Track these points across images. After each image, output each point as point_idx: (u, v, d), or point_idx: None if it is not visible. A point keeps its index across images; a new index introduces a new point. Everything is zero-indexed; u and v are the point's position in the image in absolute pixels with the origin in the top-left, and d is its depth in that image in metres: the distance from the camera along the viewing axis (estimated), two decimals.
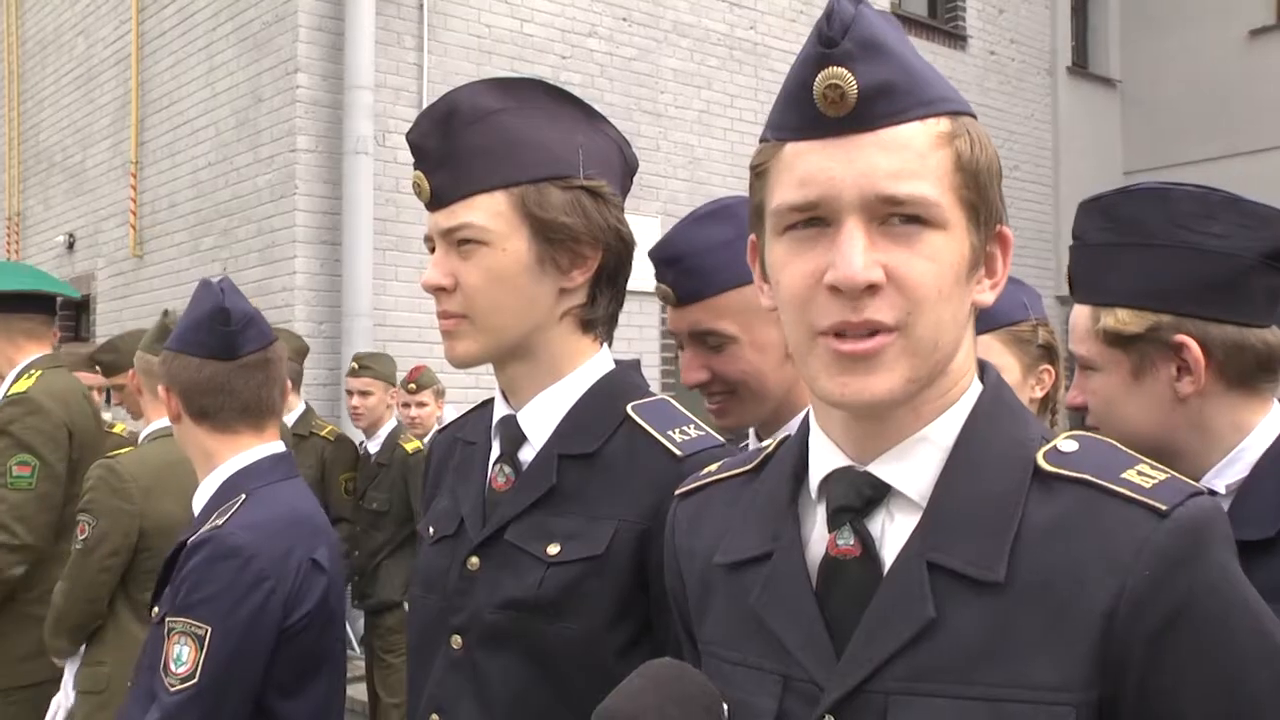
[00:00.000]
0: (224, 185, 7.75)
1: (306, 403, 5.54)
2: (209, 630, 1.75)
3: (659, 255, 1.65)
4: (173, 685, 1.74)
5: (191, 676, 1.73)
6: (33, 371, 3.51)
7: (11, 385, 3.47)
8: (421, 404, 5.56)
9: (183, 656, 1.74)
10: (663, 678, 0.93)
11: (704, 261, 1.61)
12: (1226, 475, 1.47)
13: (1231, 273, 1.44)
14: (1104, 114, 12.62)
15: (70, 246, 9.78)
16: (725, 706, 1.00)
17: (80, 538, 2.95)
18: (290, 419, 5.15)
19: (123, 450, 3.18)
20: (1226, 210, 1.46)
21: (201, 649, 1.74)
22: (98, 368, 4.25)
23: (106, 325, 8.94)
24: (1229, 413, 1.48)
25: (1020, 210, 11.01)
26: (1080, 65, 12.57)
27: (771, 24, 9.34)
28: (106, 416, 5.62)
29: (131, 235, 8.77)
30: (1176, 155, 11.85)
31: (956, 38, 10.94)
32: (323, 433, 5.33)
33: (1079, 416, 1.63)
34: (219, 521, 1.85)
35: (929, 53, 10.01)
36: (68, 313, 10.02)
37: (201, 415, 1.98)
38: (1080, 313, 1.56)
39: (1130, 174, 12.15)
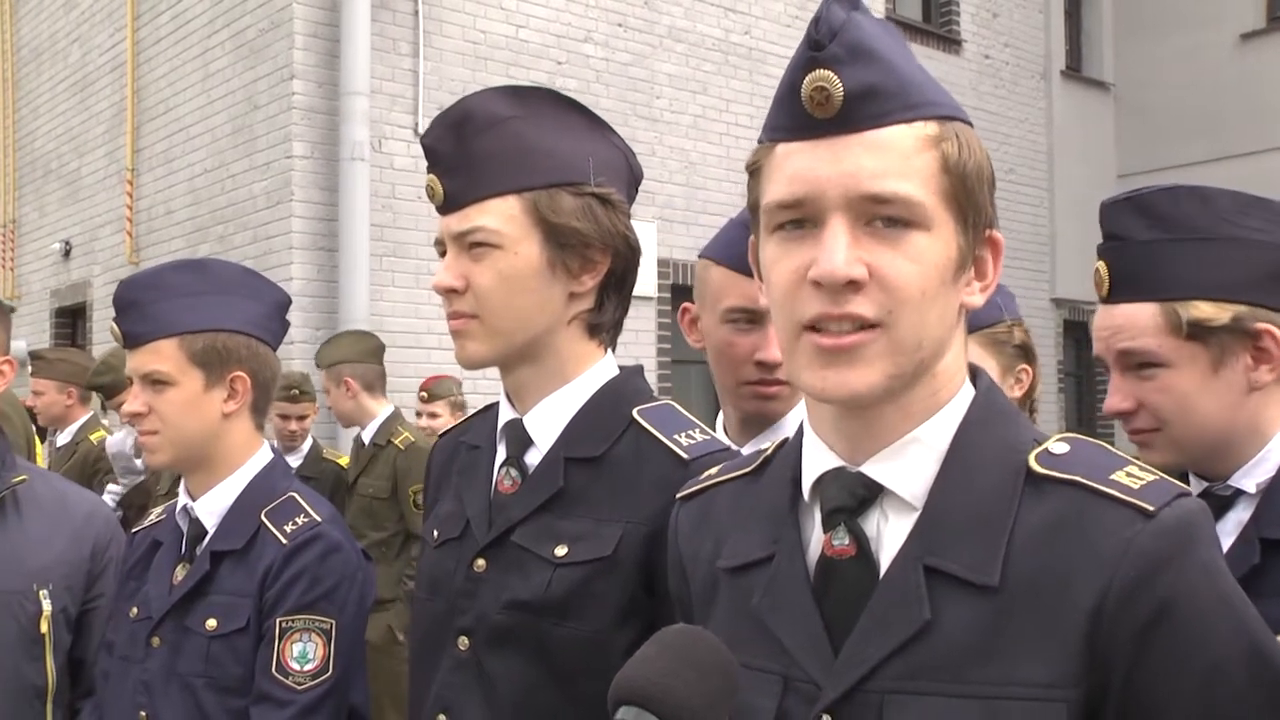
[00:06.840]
0: (220, 192, 7.75)
1: (395, 406, 5.12)
2: (334, 623, 1.78)
3: None
4: (301, 684, 1.74)
5: (324, 671, 1.75)
6: None
7: None
8: (434, 415, 5.16)
9: (309, 654, 1.75)
10: (678, 644, 0.93)
11: None
12: (1255, 474, 1.46)
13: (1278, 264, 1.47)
14: (1098, 117, 12.66)
15: (66, 254, 9.75)
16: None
17: None
18: (375, 425, 4.93)
19: None
20: (1258, 208, 1.49)
21: (330, 643, 1.76)
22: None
23: (104, 333, 8.92)
24: (1274, 406, 1.48)
25: (1015, 213, 11.04)
26: (1074, 69, 12.61)
27: (767, 29, 9.36)
28: (104, 423, 5.62)
29: (128, 242, 8.76)
30: (1169, 158, 11.87)
31: (951, 42, 10.97)
32: (396, 440, 4.87)
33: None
34: (307, 520, 1.84)
35: (923, 57, 9.99)
36: (64, 320, 10.01)
37: (263, 408, 1.95)
38: (1142, 310, 1.50)
39: (1124, 177, 12.18)
